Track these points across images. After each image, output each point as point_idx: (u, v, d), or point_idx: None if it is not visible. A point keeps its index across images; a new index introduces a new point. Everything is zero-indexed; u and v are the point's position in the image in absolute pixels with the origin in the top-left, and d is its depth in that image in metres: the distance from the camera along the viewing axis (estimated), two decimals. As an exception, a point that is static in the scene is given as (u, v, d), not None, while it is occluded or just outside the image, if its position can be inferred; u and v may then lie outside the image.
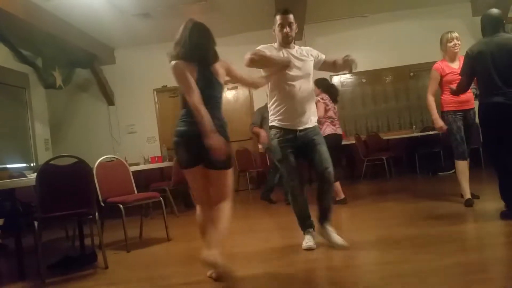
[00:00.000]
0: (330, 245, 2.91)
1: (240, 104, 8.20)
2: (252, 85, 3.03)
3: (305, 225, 3.07)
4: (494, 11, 3.36)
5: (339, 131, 4.93)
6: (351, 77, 8.16)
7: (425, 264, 2.39)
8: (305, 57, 3.03)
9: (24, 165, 6.71)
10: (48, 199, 3.01)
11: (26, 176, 4.20)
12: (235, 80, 2.79)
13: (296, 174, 3.02)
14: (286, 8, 3.02)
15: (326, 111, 4.84)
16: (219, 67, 2.58)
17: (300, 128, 2.96)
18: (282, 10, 3.00)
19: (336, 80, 8.05)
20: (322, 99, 4.85)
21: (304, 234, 3.07)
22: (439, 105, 4.09)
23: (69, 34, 6.57)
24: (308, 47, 3.14)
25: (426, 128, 7.72)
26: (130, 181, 4.09)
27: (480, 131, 3.49)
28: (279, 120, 2.99)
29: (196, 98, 2.37)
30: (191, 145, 2.43)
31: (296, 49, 3.05)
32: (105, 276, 2.97)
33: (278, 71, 2.90)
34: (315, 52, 3.12)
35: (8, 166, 6.25)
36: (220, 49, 2.59)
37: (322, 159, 2.91)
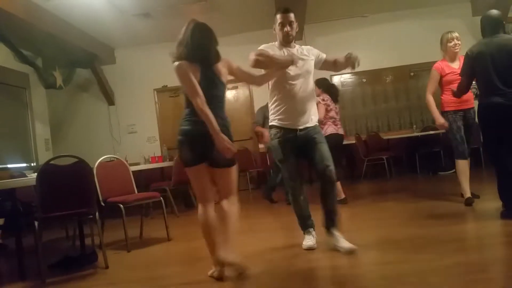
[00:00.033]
0: (337, 250, 2.80)
1: (240, 103, 8.20)
2: (255, 81, 2.95)
3: (306, 225, 3.07)
4: (494, 12, 3.37)
5: (340, 131, 4.94)
6: (351, 77, 8.16)
7: (425, 264, 2.39)
8: (306, 56, 3.02)
9: (24, 165, 6.72)
10: (49, 199, 3.01)
11: (27, 176, 4.21)
12: (238, 77, 2.80)
13: (297, 174, 3.01)
14: (287, 7, 2.99)
15: (328, 111, 4.85)
16: (221, 67, 2.60)
17: (301, 127, 2.94)
18: (283, 9, 2.97)
19: (336, 80, 8.05)
20: (323, 100, 4.85)
21: (304, 234, 3.07)
22: (439, 105, 4.10)
23: (70, 34, 6.57)
24: (308, 46, 3.13)
25: (427, 128, 7.73)
26: (130, 181, 4.10)
27: (480, 131, 3.49)
28: (279, 119, 2.98)
29: (200, 100, 2.39)
30: (196, 143, 2.46)
31: (297, 48, 3.04)
32: (105, 276, 2.97)
33: (283, 69, 2.85)
34: (315, 51, 3.10)
35: (9, 166, 6.26)
36: (220, 49, 2.60)
37: (323, 158, 2.86)
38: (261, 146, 7.97)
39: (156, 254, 3.60)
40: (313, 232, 3.05)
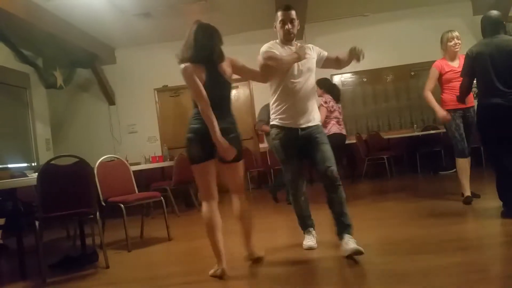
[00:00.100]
0: (346, 254, 2.58)
1: (241, 103, 8.20)
2: (261, 78, 2.92)
3: (306, 224, 3.07)
4: (494, 12, 3.37)
5: (343, 131, 4.95)
6: (352, 76, 8.16)
7: (425, 263, 2.38)
8: (307, 54, 2.99)
9: (25, 165, 6.73)
10: (49, 198, 3.01)
11: (27, 176, 4.21)
12: (244, 75, 2.82)
13: (299, 174, 2.99)
14: (288, 4, 2.93)
15: (331, 112, 4.86)
16: (226, 66, 2.64)
17: (302, 126, 2.88)
18: (284, 6, 2.91)
19: (337, 79, 8.05)
20: (326, 102, 4.85)
21: (304, 233, 3.07)
22: (438, 103, 4.09)
23: (70, 34, 6.58)
24: (310, 45, 3.06)
25: (427, 127, 7.73)
26: (131, 181, 4.10)
27: (478, 131, 3.49)
28: (280, 118, 2.93)
29: (203, 103, 2.48)
30: (205, 141, 2.52)
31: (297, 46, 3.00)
32: (106, 276, 2.98)
33: (290, 66, 2.83)
34: (317, 49, 3.04)
35: (9, 166, 6.27)
36: (222, 48, 2.61)
37: (325, 158, 2.78)
38: (261, 145, 8.00)
39: (157, 254, 3.61)
40: (313, 232, 3.06)
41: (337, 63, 3.04)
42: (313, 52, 3.00)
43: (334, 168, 2.77)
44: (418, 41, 7.52)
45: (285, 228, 4.03)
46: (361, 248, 2.51)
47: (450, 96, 3.93)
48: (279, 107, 2.94)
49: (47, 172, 3.03)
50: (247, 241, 2.77)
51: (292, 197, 3.07)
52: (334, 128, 4.81)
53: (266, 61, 2.78)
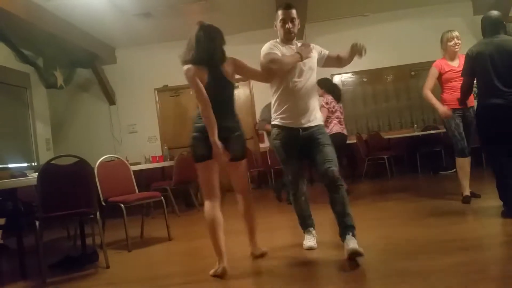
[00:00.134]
0: (346, 254, 2.52)
1: (241, 103, 8.18)
2: (263, 78, 2.92)
3: (306, 224, 3.06)
4: (494, 13, 3.37)
5: (345, 131, 4.95)
6: (352, 76, 8.16)
7: (425, 263, 2.39)
8: (311, 53, 2.96)
9: (25, 164, 6.73)
10: (50, 198, 3.02)
11: (28, 176, 4.21)
12: (246, 75, 2.85)
13: (299, 174, 2.98)
14: (289, 3, 2.90)
15: (333, 112, 4.87)
16: (228, 67, 2.66)
17: (304, 126, 2.84)
18: (284, 5, 2.87)
19: (337, 79, 8.04)
20: (327, 103, 4.85)
21: (304, 233, 3.07)
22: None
23: (70, 34, 6.58)
24: (311, 44, 3.03)
25: (427, 127, 7.73)
26: (131, 181, 4.10)
27: (478, 131, 3.49)
28: (281, 118, 2.89)
29: (204, 105, 2.53)
30: (209, 140, 2.55)
31: (299, 46, 2.99)
32: (106, 276, 2.98)
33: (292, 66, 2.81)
34: (318, 48, 3.01)
35: (10, 165, 6.27)
36: (223, 48, 2.63)
37: (325, 159, 2.72)
38: (262, 145, 8.00)
39: (157, 254, 3.61)
40: (314, 232, 3.05)
41: (338, 62, 3.01)
42: (314, 51, 2.97)
43: (334, 168, 2.72)
44: (418, 41, 7.52)
45: (285, 228, 4.03)
46: (360, 249, 2.47)
47: (450, 95, 3.94)
48: (280, 106, 2.91)
49: (47, 172, 3.03)
50: (251, 237, 2.87)
51: (292, 197, 3.07)
52: (336, 127, 4.82)
53: (269, 65, 2.77)
